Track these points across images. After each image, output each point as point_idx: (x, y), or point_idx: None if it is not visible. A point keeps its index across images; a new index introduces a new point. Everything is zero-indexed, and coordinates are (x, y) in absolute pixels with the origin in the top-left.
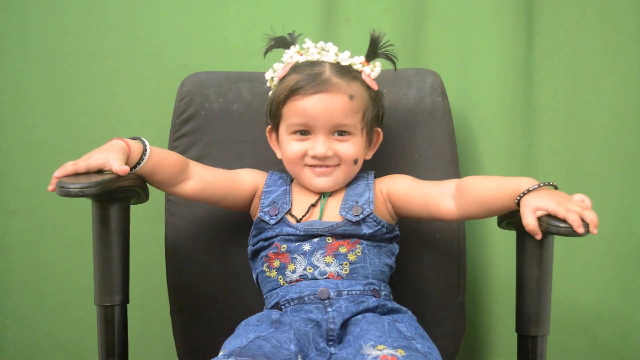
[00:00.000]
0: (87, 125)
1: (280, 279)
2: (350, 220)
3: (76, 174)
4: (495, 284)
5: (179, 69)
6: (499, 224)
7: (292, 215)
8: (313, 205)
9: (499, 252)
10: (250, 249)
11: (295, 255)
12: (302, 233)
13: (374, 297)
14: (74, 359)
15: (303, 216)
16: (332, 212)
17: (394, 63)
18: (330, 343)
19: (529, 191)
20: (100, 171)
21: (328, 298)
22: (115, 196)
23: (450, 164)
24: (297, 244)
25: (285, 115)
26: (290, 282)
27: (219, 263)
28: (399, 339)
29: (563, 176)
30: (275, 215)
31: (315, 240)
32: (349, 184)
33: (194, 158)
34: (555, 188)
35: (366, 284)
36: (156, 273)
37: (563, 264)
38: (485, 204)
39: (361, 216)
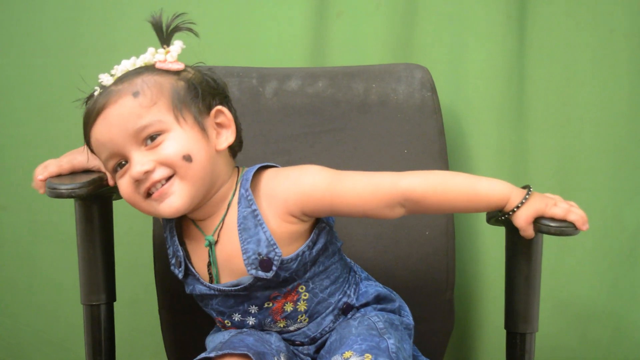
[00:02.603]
0: (77, 120)
1: None
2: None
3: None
4: (484, 280)
5: None
6: (488, 220)
7: (195, 272)
8: (209, 263)
9: (488, 248)
10: None
11: (246, 330)
12: (216, 293)
13: (344, 312)
14: (65, 356)
15: (210, 280)
16: (233, 261)
17: (193, 32)
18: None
19: (518, 207)
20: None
21: (301, 345)
22: (98, 194)
23: (440, 159)
24: (237, 319)
25: (99, 157)
26: None
27: None
28: (369, 337)
29: (553, 172)
30: (180, 269)
31: (253, 311)
32: (238, 207)
33: None
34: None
35: (333, 309)
36: (146, 269)
37: (553, 260)
38: (451, 212)
39: (274, 269)
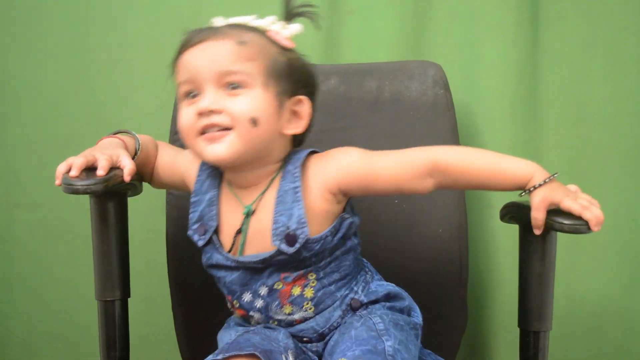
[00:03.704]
0: (90, 117)
1: (247, 324)
2: (284, 252)
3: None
4: (497, 278)
5: None
6: (502, 217)
7: (220, 240)
8: (239, 231)
9: (501, 246)
10: None
11: (252, 313)
12: (233, 265)
13: (353, 307)
14: (78, 352)
15: (230, 248)
16: (261, 234)
17: (315, 22)
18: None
19: (540, 185)
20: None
21: (310, 342)
22: (113, 191)
23: None
24: (247, 299)
25: (177, 79)
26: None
27: None
28: (368, 338)
29: (567, 170)
30: (203, 236)
31: (263, 292)
32: (280, 184)
33: None
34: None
35: (340, 303)
36: (160, 266)
37: (567, 258)
38: (476, 186)
39: (297, 246)
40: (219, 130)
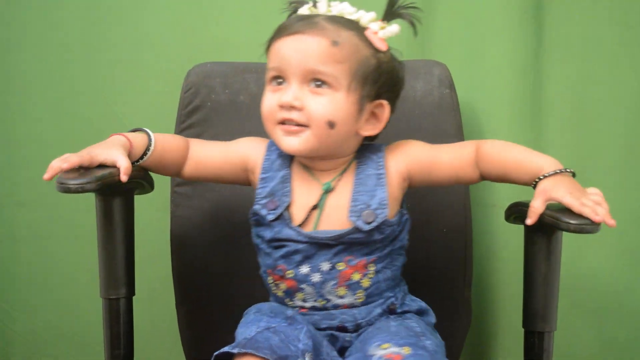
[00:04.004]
0: (93, 117)
1: (289, 302)
2: (359, 229)
3: (79, 168)
4: (502, 278)
5: (185, 60)
6: (507, 218)
7: (291, 215)
8: (314, 207)
9: (506, 246)
10: (253, 240)
11: (304, 286)
12: (304, 239)
13: (391, 310)
14: (81, 351)
15: (303, 222)
16: (338, 211)
17: (413, 26)
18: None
19: (547, 175)
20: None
21: (345, 331)
22: (118, 189)
23: None
24: (303, 271)
25: (267, 62)
26: (302, 307)
27: (225, 255)
28: (407, 336)
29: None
30: (274, 210)
31: (324, 268)
32: (357, 168)
33: None
34: (574, 175)
35: (383, 302)
36: (163, 265)
37: (572, 257)
38: (504, 177)
39: (374, 224)
40: (295, 125)
